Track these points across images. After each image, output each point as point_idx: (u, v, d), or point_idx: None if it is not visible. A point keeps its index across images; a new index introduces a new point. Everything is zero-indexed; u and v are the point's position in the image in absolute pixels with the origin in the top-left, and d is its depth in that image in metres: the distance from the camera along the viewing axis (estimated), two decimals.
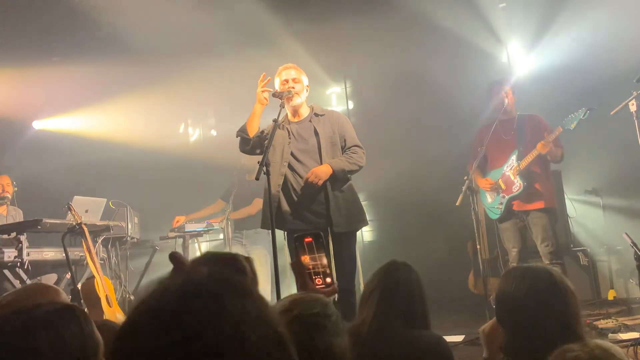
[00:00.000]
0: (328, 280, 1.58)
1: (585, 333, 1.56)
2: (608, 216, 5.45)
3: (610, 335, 3.55)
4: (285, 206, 3.68)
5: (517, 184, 4.40)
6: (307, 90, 3.82)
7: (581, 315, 1.58)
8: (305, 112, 3.80)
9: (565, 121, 4.21)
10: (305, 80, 3.80)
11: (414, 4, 5.82)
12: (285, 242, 3.81)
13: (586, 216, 5.63)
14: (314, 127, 3.70)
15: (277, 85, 3.77)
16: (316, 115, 3.76)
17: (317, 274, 1.57)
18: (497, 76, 5.26)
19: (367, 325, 1.88)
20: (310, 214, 3.63)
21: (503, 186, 4.48)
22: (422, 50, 6.27)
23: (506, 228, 4.55)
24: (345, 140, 3.73)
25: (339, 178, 3.61)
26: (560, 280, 1.57)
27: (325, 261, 1.51)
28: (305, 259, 1.55)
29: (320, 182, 3.53)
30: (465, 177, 4.59)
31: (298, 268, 1.54)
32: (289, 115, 3.83)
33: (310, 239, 1.54)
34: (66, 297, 1.47)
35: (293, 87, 3.69)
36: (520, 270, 1.67)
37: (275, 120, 3.47)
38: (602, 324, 3.94)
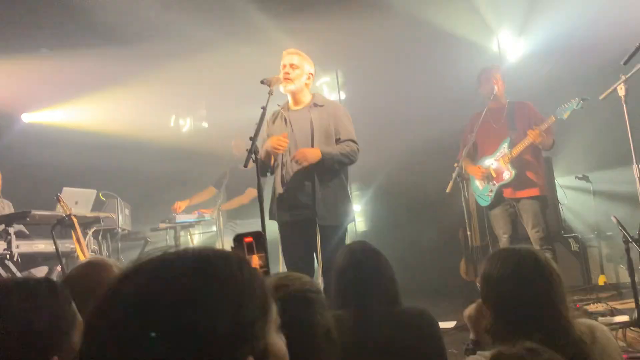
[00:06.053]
0: None
1: (572, 314, 1.57)
2: (598, 202, 5.47)
3: (600, 318, 3.57)
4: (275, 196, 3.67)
5: (508, 172, 4.40)
6: (309, 78, 3.75)
7: (567, 296, 1.59)
8: (306, 100, 3.74)
9: (558, 111, 4.21)
10: (307, 67, 3.73)
11: None
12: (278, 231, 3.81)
13: (577, 202, 5.66)
14: (310, 117, 3.65)
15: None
16: (315, 105, 3.70)
17: None
18: (487, 63, 5.25)
19: (347, 309, 1.88)
20: (297, 205, 3.59)
21: (494, 174, 4.48)
22: (412, 40, 6.25)
23: (496, 214, 4.55)
24: (340, 133, 3.67)
25: (326, 165, 3.54)
26: (545, 261, 1.58)
27: (264, 262, 1.53)
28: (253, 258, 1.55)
29: (306, 164, 3.47)
30: (456, 164, 4.59)
31: None
32: (290, 102, 3.77)
33: (250, 239, 1.53)
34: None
35: (288, 73, 3.64)
36: (505, 252, 1.68)
37: (263, 108, 3.37)
38: (593, 308, 3.97)
